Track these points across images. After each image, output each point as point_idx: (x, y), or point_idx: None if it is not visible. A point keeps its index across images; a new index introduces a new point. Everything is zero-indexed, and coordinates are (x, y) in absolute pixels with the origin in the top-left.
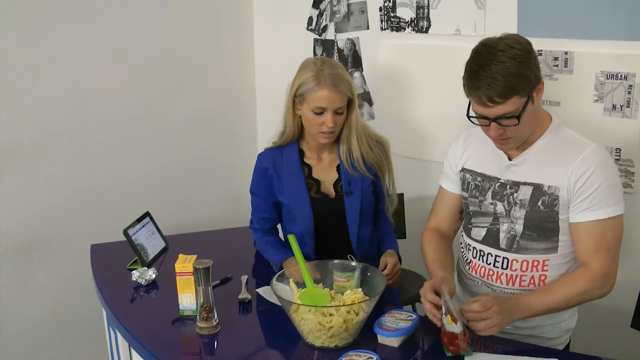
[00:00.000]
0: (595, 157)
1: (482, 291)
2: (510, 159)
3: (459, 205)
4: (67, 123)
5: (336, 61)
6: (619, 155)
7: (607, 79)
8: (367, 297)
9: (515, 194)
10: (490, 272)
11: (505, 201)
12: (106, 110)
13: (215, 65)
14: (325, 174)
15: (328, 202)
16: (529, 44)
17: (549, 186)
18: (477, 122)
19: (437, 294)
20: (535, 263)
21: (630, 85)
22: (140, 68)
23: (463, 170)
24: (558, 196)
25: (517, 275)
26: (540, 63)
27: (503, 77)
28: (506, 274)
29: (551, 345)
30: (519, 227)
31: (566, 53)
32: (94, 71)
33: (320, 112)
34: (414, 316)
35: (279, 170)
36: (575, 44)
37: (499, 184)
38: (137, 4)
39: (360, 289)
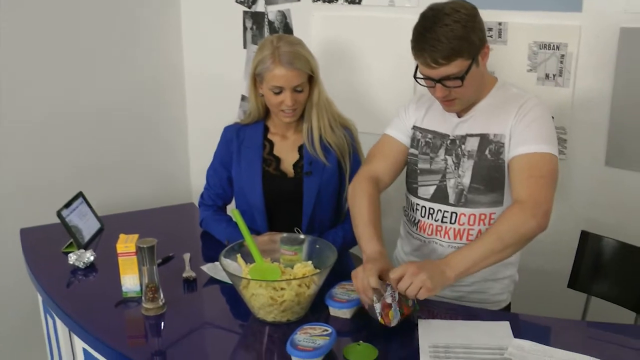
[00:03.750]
0: (533, 102)
1: (429, 248)
2: (459, 117)
3: (404, 157)
4: None
5: (296, 38)
6: None
7: (540, 49)
8: (318, 270)
9: (463, 146)
10: (439, 228)
11: (454, 154)
12: (32, 88)
13: (142, 38)
14: (287, 152)
15: (284, 181)
16: (474, 8)
17: (494, 134)
18: (424, 84)
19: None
20: (482, 217)
21: (563, 55)
22: (63, 44)
23: (414, 128)
24: (503, 143)
25: (464, 230)
26: None
27: (447, 39)
28: (454, 229)
29: (495, 302)
30: (466, 181)
31: (500, 24)
32: (15, 52)
33: (278, 91)
34: None
35: (240, 143)
36: (508, 15)
37: (449, 140)
38: None
39: (310, 262)
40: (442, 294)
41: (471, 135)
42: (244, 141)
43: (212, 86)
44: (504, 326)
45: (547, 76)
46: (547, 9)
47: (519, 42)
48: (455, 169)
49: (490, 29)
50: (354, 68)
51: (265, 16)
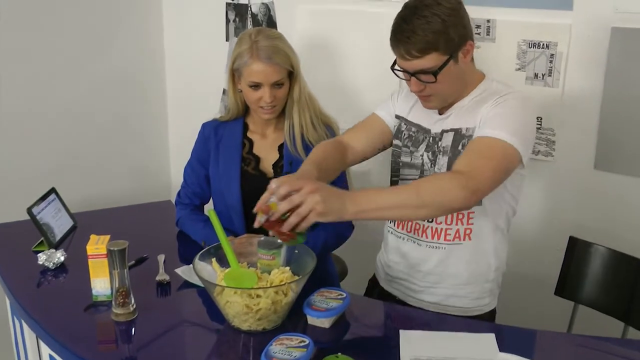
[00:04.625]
0: (514, 95)
1: (409, 246)
2: (440, 114)
3: (385, 138)
4: None
5: (275, 31)
6: (540, 124)
7: (530, 47)
8: (297, 277)
9: (439, 142)
10: (417, 226)
11: (431, 151)
12: (3, 81)
13: (121, 31)
14: (267, 151)
15: (263, 181)
16: (459, 3)
17: (467, 128)
18: (401, 76)
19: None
20: (460, 216)
21: (552, 54)
22: (39, 35)
23: (398, 117)
24: None
25: (442, 229)
26: None
27: (423, 32)
28: (431, 227)
29: (478, 307)
30: None
31: (488, 21)
32: None
33: (256, 86)
34: (345, 295)
35: (218, 141)
36: (497, 12)
37: (431, 137)
38: None
39: (288, 268)
40: (421, 297)
41: (446, 131)
42: (222, 139)
43: (193, 79)
44: (489, 338)
45: (536, 75)
46: (537, 6)
47: (508, 40)
48: (431, 167)
49: (478, 26)
50: (339, 63)
51: (249, 8)
